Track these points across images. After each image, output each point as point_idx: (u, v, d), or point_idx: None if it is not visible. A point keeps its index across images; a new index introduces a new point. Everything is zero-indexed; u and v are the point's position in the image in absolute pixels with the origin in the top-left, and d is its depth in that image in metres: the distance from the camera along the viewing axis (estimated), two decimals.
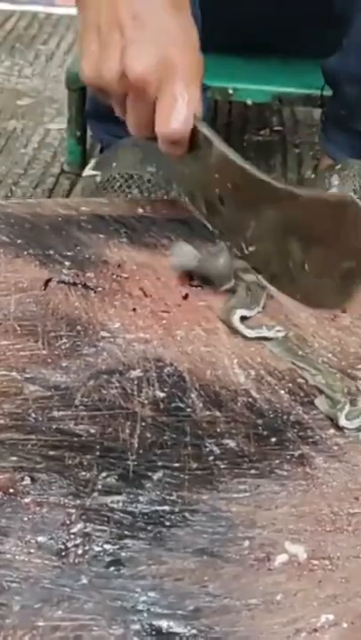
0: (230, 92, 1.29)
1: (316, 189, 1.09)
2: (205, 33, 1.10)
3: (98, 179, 1.13)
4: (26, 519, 0.50)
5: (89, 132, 1.40)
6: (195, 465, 0.55)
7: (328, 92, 1.22)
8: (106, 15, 0.72)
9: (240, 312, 0.68)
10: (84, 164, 1.39)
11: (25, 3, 2.24)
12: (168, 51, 0.70)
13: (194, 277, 0.73)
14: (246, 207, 0.72)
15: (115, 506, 0.51)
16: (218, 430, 0.58)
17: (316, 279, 0.67)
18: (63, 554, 0.48)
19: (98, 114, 1.24)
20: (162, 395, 0.61)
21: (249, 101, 1.33)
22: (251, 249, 0.73)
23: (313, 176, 1.35)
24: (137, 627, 0.45)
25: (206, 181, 0.74)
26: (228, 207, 0.74)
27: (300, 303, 0.69)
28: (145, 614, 0.45)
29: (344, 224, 0.65)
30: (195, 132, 0.72)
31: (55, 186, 1.42)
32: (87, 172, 1.18)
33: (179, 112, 0.70)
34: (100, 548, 0.49)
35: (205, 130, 0.73)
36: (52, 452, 0.55)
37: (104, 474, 0.53)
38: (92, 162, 1.20)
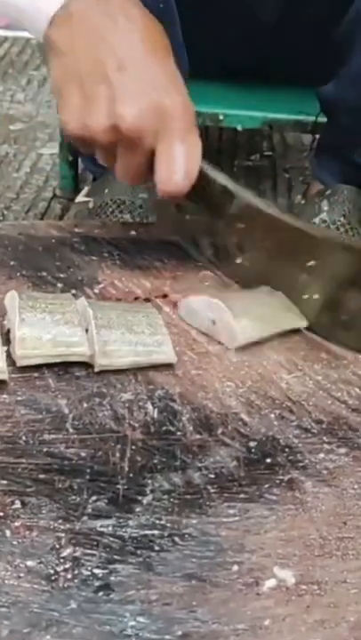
0: (221, 117, 1.31)
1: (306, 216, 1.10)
2: (196, 59, 1.12)
3: (90, 205, 1.13)
4: (15, 543, 0.50)
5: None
6: (184, 489, 0.55)
7: (321, 119, 1.24)
8: (86, 65, 0.67)
9: None
10: (76, 189, 1.40)
11: (18, 29, 2.26)
12: (159, 99, 0.67)
13: None
14: (280, 256, 0.72)
15: (104, 530, 0.51)
16: (208, 454, 0.58)
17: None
18: (52, 578, 0.48)
19: None
20: (153, 418, 0.61)
21: (239, 127, 1.34)
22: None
23: (303, 201, 1.36)
24: None
25: (220, 230, 0.74)
26: (250, 256, 0.74)
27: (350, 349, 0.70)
28: (133, 639, 0.45)
29: None
30: (200, 178, 0.70)
31: (47, 210, 1.43)
32: (80, 198, 1.19)
33: (180, 167, 0.67)
34: (89, 573, 0.49)
35: (218, 176, 0.71)
36: (42, 476, 0.55)
37: (94, 498, 0.54)
38: (85, 189, 1.21)
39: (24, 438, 0.58)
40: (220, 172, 0.72)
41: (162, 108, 0.67)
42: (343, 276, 0.71)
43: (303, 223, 0.72)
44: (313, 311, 0.72)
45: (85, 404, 0.61)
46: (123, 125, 0.67)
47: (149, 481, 0.55)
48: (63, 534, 0.51)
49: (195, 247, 0.80)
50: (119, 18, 0.69)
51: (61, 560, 0.49)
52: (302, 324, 0.71)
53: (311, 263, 0.71)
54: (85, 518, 0.52)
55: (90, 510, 0.53)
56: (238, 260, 0.75)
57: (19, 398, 0.61)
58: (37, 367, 0.64)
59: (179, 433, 0.60)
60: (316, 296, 0.72)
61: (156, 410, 0.62)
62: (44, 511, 0.52)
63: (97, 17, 0.69)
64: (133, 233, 0.86)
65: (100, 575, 0.49)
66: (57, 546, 0.50)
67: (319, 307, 0.72)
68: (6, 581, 0.48)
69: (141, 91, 0.67)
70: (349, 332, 0.71)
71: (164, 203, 0.80)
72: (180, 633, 0.46)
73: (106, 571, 0.49)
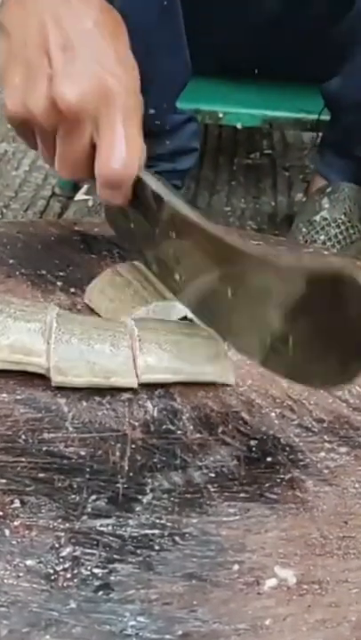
0: (220, 115, 1.31)
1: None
2: (197, 57, 1.12)
3: (89, 203, 1.13)
4: (15, 542, 0.50)
5: None
6: (185, 488, 0.55)
7: (324, 116, 1.24)
8: (32, 45, 0.64)
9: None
10: (75, 187, 1.40)
11: None
12: (104, 80, 0.62)
13: None
14: (209, 272, 0.60)
15: (104, 529, 0.51)
16: (208, 453, 0.58)
17: (304, 355, 0.55)
18: (52, 578, 0.48)
19: None
20: (152, 417, 0.60)
21: (239, 125, 1.34)
22: (217, 318, 0.62)
23: (304, 199, 1.36)
24: None
25: (157, 240, 0.65)
26: (185, 270, 0.64)
27: (287, 378, 0.59)
28: (134, 639, 0.45)
29: (340, 302, 0.51)
30: (138, 182, 0.64)
31: (46, 208, 1.42)
32: (79, 196, 1.19)
33: (121, 150, 0.62)
34: (88, 572, 0.48)
35: (152, 181, 0.64)
36: (41, 475, 0.55)
37: (94, 497, 0.53)
38: (84, 187, 1.21)
39: (23, 437, 0.58)
40: (154, 175, 0.65)
41: (104, 89, 0.62)
42: (266, 295, 0.56)
43: (233, 238, 0.58)
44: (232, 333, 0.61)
45: (85, 403, 0.61)
46: (61, 105, 0.62)
47: (149, 480, 0.55)
48: (63, 533, 0.50)
49: (142, 259, 0.72)
50: (73, 0, 0.65)
51: (61, 559, 0.49)
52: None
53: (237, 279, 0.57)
54: (85, 517, 0.52)
55: (89, 509, 0.52)
56: (176, 276, 0.65)
57: (18, 397, 0.61)
58: None
59: (179, 432, 0.59)
60: (244, 323, 0.59)
61: (155, 408, 0.61)
62: (43, 510, 0.52)
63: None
64: None
65: (100, 574, 0.48)
66: (56, 545, 0.50)
67: (238, 328, 0.60)
68: (5, 581, 0.47)
69: (85, 71, 0.63)
70: (278, 359, 0.57)
71: (111, 207, 0.71)
72: (180, 633, 0.46)
73: (106, 570, 0.49)
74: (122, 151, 0.62)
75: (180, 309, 0.67)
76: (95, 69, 0.63)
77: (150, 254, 0.69)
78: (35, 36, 0.64)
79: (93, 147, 0.64)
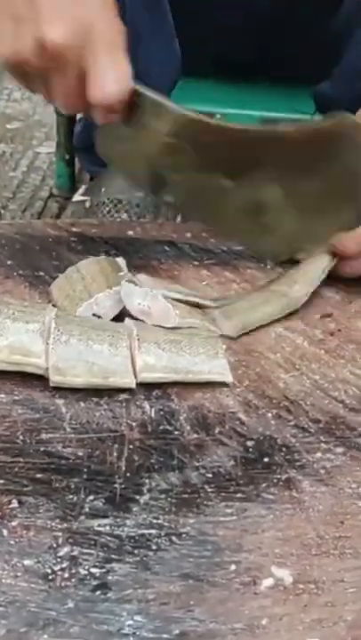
0: (217, 116, 1.31)
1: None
2: (192, 57, 1.12)
3: (87, 204, 1.13)
4: (13, 542, 0.50)
5: None
6: (182, 488, 0.55)
7: (317, 118, 1.24)
8: None
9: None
10: (72, 188, 1.40)
11: None
12: (86, 17, 0.66)
13: None
14: (215, 165, 0.71)
15: (101, 529, 0.51)
16: (205, 453, 0.58)
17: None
18: (50, 577, 0.48)
19: (86, 146, 1.25)
20: (150, 417, 0.61)
21: None
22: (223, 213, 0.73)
23: None
24: None
25: (155, 151, 0.72)
26: (187, 174, 0.72)
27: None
28: (131, 638, 0.45)
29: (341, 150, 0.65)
30: (134, 98, 0.68)
31: (44, 209, 1.43)
32: (77, 197, 1.19)
33: (111, 73, 0.66)
34: (86, 572, 0.49)
35: (149, 91, 0.69)
36: (39, 475, 0.55)
37: (91, 497, 0.54)
38: (82, 188, 1.21)
39: (21, 437, 0.58)
40: (153, 91, 0.71)
41: (87, 24, 0.66)
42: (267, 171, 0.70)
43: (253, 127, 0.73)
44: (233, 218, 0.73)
45: (83, 404, 0.61)
46: (47, 44, 0.66)
47: (147, 480, 0.55)
48: (60, 533, 0.51)
49: (136, 181, 0.79)
50: None
51: (59, 559, 0.49)
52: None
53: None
54: (83, 517, 0.52)
55: (87, 509, 0.53)
56: (170, 188, 0.74)
57: (16, 398, 0.61)
58: None
59: (176, 432, 0.60)
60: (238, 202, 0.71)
61: (153, 409, 0.62)
62: (41, 510, 0.52)
63: None
64: (130, 232, 0.86)
65: (98, 574, 0.49)
66: (54, 545, 0.50)
67: (241, 211, 0.72)
68: (3, 581, 0.48)
69: (66, 8, 0.66)
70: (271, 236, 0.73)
71: (106, 133, 0.76)
72: (177, 632, 0.46)
73: (103, 570, 0.49)
74: (109, 73, 0.67)
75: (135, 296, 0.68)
76: (74, 6, 0.66)
77: (144, 173, 0.75)
78: None
79: (84, 80, 0.68)
